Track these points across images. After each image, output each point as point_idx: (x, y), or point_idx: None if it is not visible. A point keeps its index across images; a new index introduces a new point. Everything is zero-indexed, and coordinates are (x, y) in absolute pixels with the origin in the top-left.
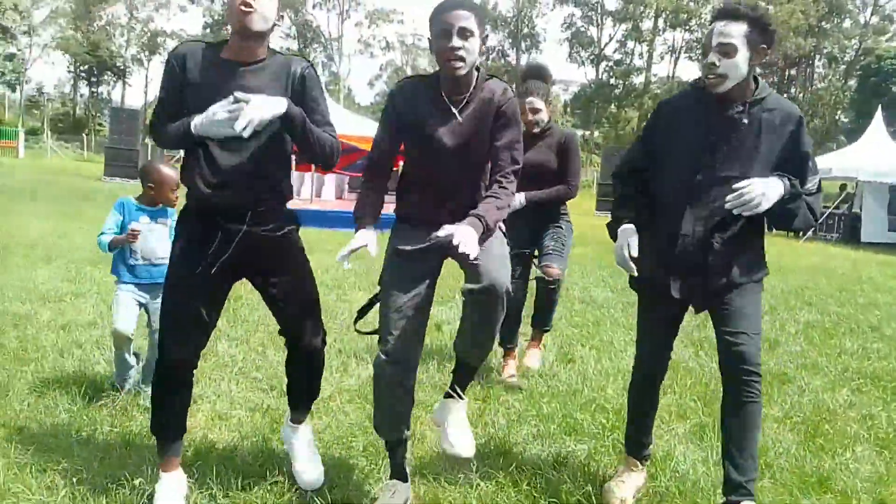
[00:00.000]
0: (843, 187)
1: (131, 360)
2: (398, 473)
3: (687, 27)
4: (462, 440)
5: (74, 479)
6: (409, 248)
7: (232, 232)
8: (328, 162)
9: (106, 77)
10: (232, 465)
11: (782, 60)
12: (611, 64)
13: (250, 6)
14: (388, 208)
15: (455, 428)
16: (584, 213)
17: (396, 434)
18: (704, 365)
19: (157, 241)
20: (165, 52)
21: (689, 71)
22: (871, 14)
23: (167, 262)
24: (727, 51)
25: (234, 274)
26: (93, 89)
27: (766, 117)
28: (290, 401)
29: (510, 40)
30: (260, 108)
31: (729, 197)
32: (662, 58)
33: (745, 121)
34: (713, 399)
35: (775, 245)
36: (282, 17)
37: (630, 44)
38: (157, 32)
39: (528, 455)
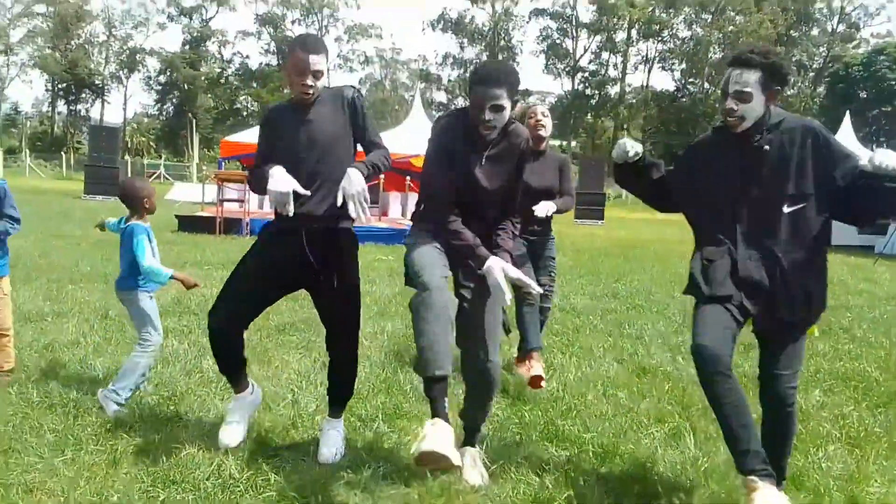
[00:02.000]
0: None
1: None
2: (440, 414)
3: (659, 38)
4: (473, 474)
5: (61, 499)
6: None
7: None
8: (386, 170)
9: (84, 95)
10: (219, 480)
11: None
12: (586, 75)
13: (309, 93)
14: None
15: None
16: (563, 221)
17: (436, 368)
18: (682, 370)
19: (157, 254)
20: (144, 68)
21: (663, 80)
22: (838, 22)
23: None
24: (743, 97)
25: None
26: (71, 107)
27: (786, 138)
28: (330, 396)
29: (487, 53)
30: (354, 186)
31: (872, 158)
32: (636, 68)
33: (767, 147)
34: (690, 403)
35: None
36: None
37: (605, 55)
38: (135, 50)
39: (510, 462)
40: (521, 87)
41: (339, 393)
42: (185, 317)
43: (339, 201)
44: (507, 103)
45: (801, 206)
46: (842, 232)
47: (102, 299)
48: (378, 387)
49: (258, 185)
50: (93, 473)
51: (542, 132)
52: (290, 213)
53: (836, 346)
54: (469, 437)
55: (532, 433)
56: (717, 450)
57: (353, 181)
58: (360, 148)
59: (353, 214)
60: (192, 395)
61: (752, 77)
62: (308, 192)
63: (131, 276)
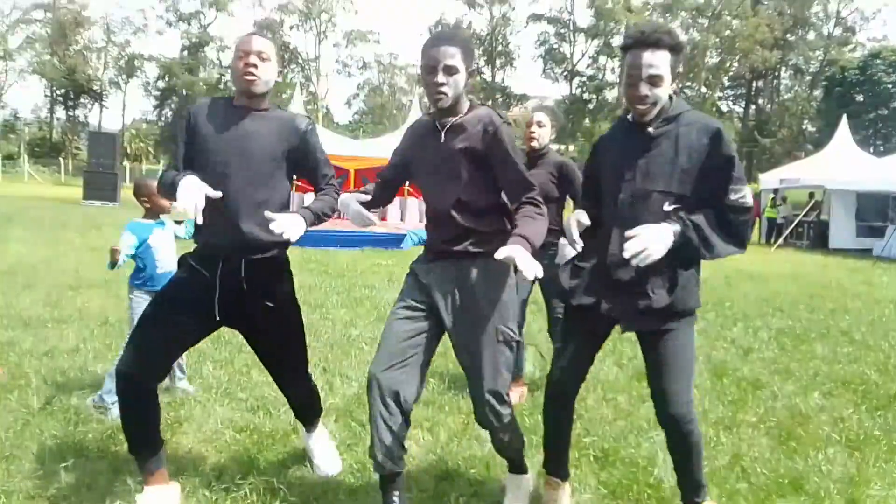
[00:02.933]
0: (811, 195)
1: None
2: None
3: None
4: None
5: None
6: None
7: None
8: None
9: (83, 101)
10: (221, 485)
11: (749, 73)
12: (584, 79)
13: (253, 74)
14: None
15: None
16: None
17: (390, 465)
18: None
19: (170, 249)
20: (142, 74)
21: None
22: (835, 26)
23: (172, 271)
24: (656, 81)
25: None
26: (69, 113)
27: (683, 132)
28: (298, 419)
29: (485, 58)
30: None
31: (625, 247)
32: None
33: (663, 137)
34: None
35: (747, 253)
36: (281, 72)
37: (602, 59)
38: (134, 56)
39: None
40: (517, 92)
41: (307, 415)
42: None
43: (276, 231)
44: (460, 65)
45: (679, 206)
46: (840, 234)
47: (102, 305)
48: None
49: (166, 192)
50: (94, 480)
51: (535, 143)
52: (200, 221)
53: (834, 350)
54: (510, 464)
55: (532, 437)
56: (717, 454)
57: (293, 230)
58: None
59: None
60: (192, 402)
61: (663, 58)
62: (220, 194)
63: (131, 275)
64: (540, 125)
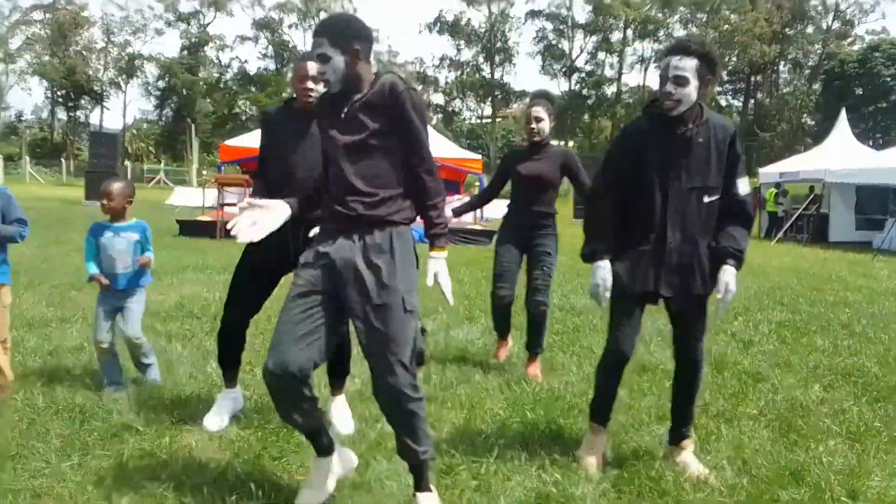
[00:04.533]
0: (811, 189)
1: (115, 368)
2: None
3: (655, 38)
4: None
5: None
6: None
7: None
8: None
9: (83, 101)
10: (225, 483)
11: (748, 67)
12: (583, 75)
13: (310, 96)
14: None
15: None
16: (561, 220)
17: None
18: None
19: (116, 253)
20: (143, 74)
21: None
22: (833, 19)
23: (128, 272)
24: (681, 81)
25: None
26: (70, 114)
27: (710, 133)
28: (330, 382)
29: (484, 55)
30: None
31: (720, 301)
32: (632, 68)
33: (700, 139)
34: None
35: (748, 247)
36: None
37: (601, 55)
38: (134, 56)
39: (513, 461)
40: (517, 89)
41: (339, 372)
42: (187, 321)
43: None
44: (332, 53)
45: (716, 198)
46: (840, 228)
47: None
48: None
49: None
50: (100, 478)
51: (536, 138)
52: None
53: (835, 342)
54: None
55: (534, 432)
56: (720, 447)
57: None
58: None
59: None
60: (197, 399)
61: (690, 63)
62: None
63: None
64: (538, 120)
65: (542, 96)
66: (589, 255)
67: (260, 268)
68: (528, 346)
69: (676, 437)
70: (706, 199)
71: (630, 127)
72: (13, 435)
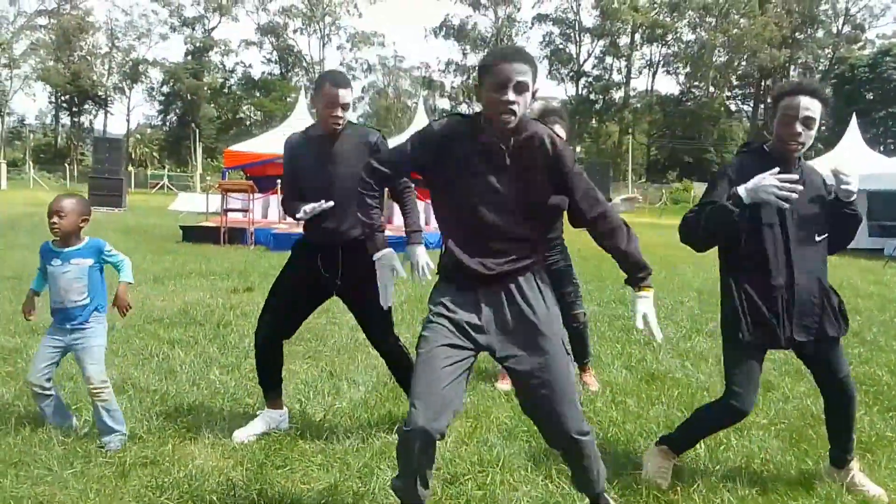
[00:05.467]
0: None
1: (59, 410)
2: None
3: (663, 42)
4: None
5: None
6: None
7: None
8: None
9: (88, 106)
10: (229, 491)
11: (758, 71)
12: (590, 80)
13: (339, 122)
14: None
15: None
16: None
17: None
18: (691, 375)
19: (66, 283)
20: (147, 79)
21: (667, 84)
22: (843, 24)
23: (84, 304)
24: (810, 124)
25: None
26: (74, 119)
27: (809, 179)
28: (402, 386)
29: None
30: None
31: (841, 176)
32: (641, 72)
33: (800, 175)
34: None
35: None
36: (353, 105)
37: (608, 59)
38: (138, 61)
39: (519, 471)
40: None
41: (405, 376)
42: (190, 327)
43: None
44: (531, 85)
45: (826, 234)
46: None
47: (108, 312)
48: (385, 396)
49: (291, 212)
50: (102, 486)
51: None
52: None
53: (846, 351)
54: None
55: (540, 441)
56: (729, 457)
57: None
58: None
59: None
60: (199, 407)
61: (818, 107)
62: (332, 203)
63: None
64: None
65: (555, 113)
66: (732, 196)
67: (296, 291)
68: (576, 358)
69: (841, 461)
70: (817, 238)
71: (734, 167)
72: (16, 442)
